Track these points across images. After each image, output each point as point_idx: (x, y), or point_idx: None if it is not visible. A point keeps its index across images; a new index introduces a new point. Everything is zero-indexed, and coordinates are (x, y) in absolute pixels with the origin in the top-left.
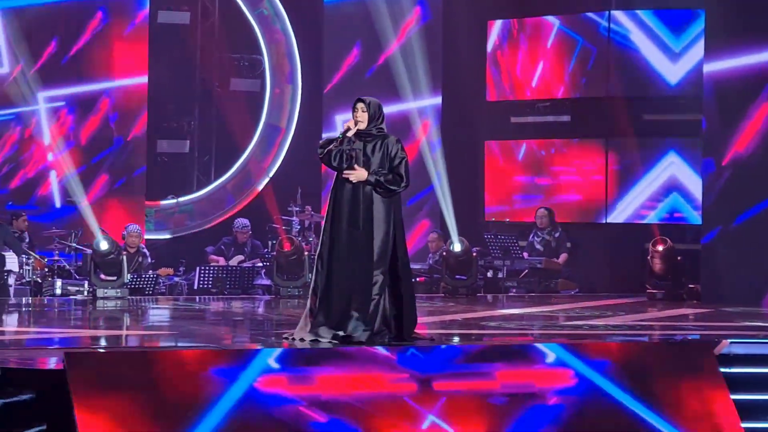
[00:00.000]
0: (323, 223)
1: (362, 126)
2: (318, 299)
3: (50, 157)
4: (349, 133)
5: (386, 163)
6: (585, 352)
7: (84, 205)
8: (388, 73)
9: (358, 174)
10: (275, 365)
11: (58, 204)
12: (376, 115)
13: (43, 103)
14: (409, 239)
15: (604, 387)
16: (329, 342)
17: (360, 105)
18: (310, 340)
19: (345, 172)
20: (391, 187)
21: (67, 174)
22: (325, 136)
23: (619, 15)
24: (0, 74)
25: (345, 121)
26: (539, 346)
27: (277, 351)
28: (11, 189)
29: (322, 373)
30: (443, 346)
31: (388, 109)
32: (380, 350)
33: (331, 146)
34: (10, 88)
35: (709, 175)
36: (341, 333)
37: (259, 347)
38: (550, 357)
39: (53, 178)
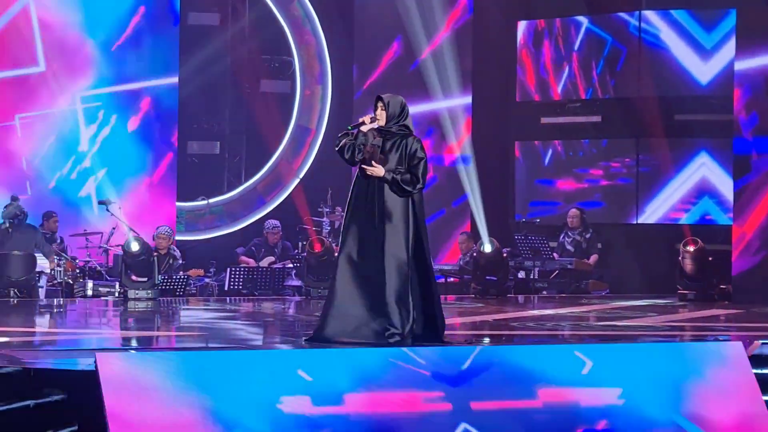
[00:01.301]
0: (345, 217)
1: (381, 123)
2: (336, 298)
3: (85, 157)
4: (364, 128)
5: (404, 163)
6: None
7: (116, 206)
8: (427, 70)
9: (375, 170)
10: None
11: (94, 209)
12: (396, 113)
13: (79, 103)
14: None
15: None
16: (351, 342)
17: (379, 104)
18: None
19: (363, 167)
20: (406, 188)
21: (101, 175)
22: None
23: (649, 14)
24: (36, 73)
25: (360, 116)
26: (579, 355)
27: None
28: (48, 189)
29: (350, 391)
30: (477, 361)
31: (427, 107)
32: (413, 367)
33: (345, 139)
34: (46, 88)
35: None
36: (362, 336)
37: (288, 347)
38: (588, 365)
39: (89, 179)
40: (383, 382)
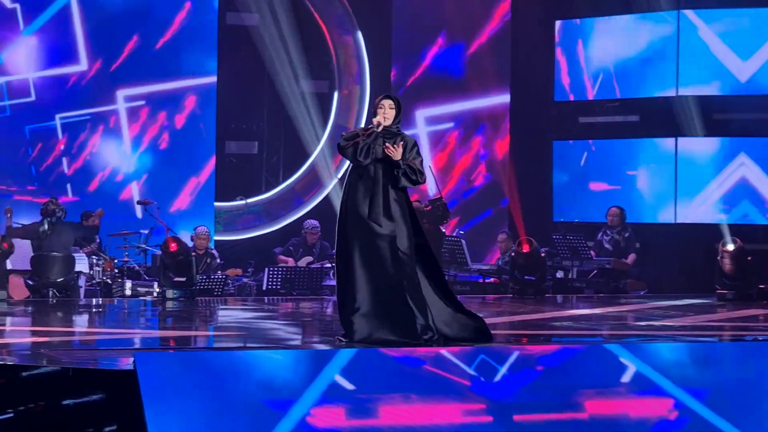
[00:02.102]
0: (340, 218)
1: (387, 122)
2: (358, 299)
3: (129, 158)
4: (379, 129)
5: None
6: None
7: (155, 206)
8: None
9: (396, 152)
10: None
11: (137, 212)
12: (398, 113)
13: (122, 102)
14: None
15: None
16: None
17: (388, 102)
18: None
19: (388, 149)
20: (413, 177)
21: (144, 175)
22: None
23: (688, 13)
24: (78, 72)
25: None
26: (625, 361)
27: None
28: (89, 192)
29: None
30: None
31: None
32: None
33: (358, 140)
34: (88, 87)
35: None
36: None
37: (326, 347)
38: (632, 370)
39: (131, 179)
40: (421, 390)
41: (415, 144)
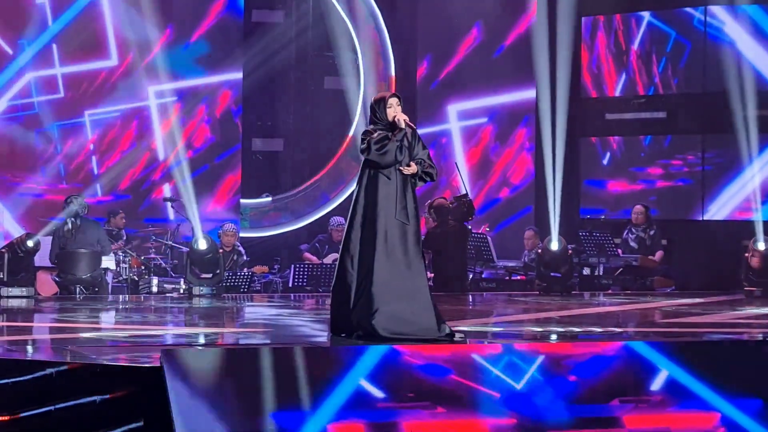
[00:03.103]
0: (353, 222)
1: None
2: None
3: (160, 156)
4: (404, 126)
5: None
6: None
7: (182, 203)
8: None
9: (412, 168)
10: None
11: (170, 213)
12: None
13: (153, 98)
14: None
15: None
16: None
17: (396, 99)
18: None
19: (404, 168)
20: (431, 172)
21: (174, 172)
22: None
23: (714, 9)
24: (108, 67)
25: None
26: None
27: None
28: (120, 191)
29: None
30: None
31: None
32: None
33: (387, 141)
34: (119, 82)
35: None
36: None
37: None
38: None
39: (162, 178)
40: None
41: (422, 140)
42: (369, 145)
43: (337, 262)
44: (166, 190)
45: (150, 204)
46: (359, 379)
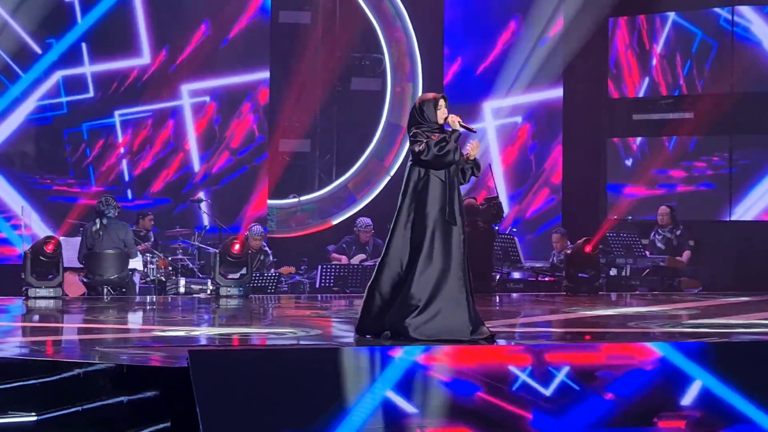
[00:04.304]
0: (399, 222)
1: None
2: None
3: (195, 157)
4: (457, 127)
5: None
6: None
7: (208, 204)
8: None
9: (476, 148)
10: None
11: (205, 219)
12: None
13: (187, 97)
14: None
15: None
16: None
17: (443, 101)
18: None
19: (470, 148)
20: (478, 173)
21: (214, 178)
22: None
23: (741, 8)
24: (140, 65)
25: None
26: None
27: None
28: (151, 193)
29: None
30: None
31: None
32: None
33: (446, 143)
34: (151, 81)
35: None
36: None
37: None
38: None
39: (196, 180)
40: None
41: None
42: (429, 147)
43: (377, 262)
44: (198, 190)
45: (185, 207)
46: (386, 391)
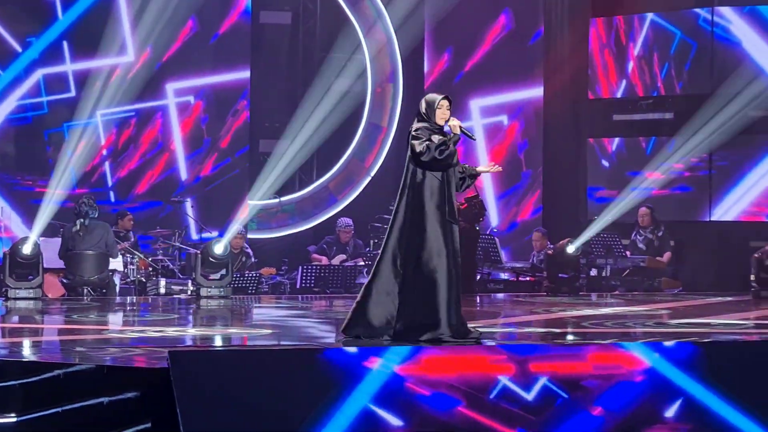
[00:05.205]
0: (396, 222)
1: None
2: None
3: (180, 158)
4: (457, 130)
5: None
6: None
7: (189, 204)
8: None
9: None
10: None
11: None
12: None
13: (172, 96)
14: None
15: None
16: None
17: (447, 103)
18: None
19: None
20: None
21: (200, 180)
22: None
23: (721, 9)
24: (123, 63)
25: (446, 120)
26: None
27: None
28: (135, 195)
29: (427, 354)
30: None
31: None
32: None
33: (446, 146)
34: (135, 80)
35: None
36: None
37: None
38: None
39: (183, 181)
40: None
41: None
42: (430, 149)
43: (375, 262)
44: (182, 192)
45: (171, 210)
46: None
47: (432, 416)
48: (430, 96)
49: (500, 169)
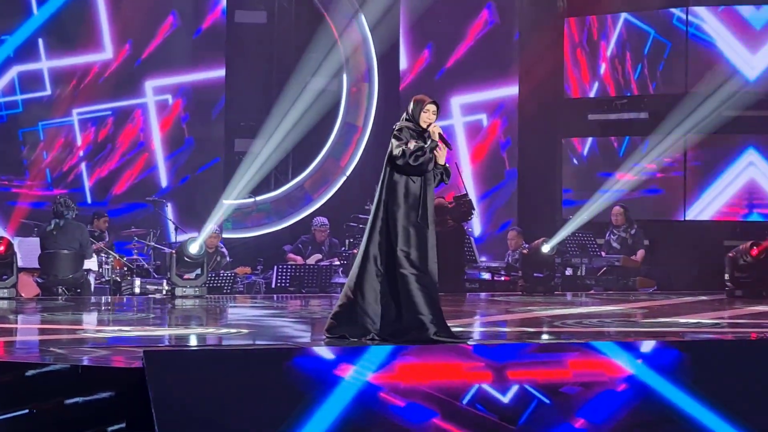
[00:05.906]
0: (376, 221)
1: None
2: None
3: (159, 158)
4: (437, 137)
5: None
6: (654, 352)
7: (165, 204)
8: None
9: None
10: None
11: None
12: None
13: (151, 94)
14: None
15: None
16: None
17: (433, 107)
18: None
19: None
20: (447, 180)
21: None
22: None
23: (695, 9)
24: (102, 61)
25: (430, 125)
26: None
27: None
28: (113, 195)
29: (402, 361)
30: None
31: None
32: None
33: (422, 153)
34: (113, 78)
35: None
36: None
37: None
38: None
39: (161, 181)
40: None
41: None
42: (405, 154)
43: (356, 262)
44: (162, 191)
45: (152, 211)
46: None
47: (406, 429)
48: (420, 96)
49: (441, 130)
